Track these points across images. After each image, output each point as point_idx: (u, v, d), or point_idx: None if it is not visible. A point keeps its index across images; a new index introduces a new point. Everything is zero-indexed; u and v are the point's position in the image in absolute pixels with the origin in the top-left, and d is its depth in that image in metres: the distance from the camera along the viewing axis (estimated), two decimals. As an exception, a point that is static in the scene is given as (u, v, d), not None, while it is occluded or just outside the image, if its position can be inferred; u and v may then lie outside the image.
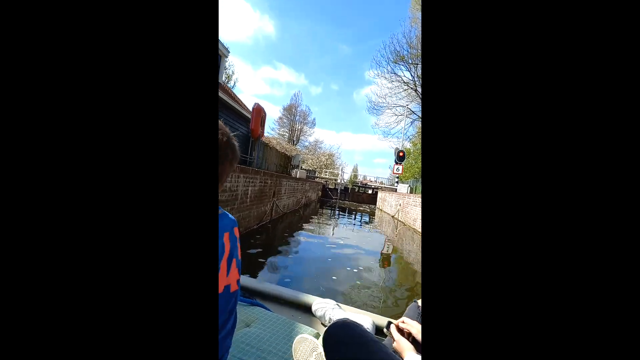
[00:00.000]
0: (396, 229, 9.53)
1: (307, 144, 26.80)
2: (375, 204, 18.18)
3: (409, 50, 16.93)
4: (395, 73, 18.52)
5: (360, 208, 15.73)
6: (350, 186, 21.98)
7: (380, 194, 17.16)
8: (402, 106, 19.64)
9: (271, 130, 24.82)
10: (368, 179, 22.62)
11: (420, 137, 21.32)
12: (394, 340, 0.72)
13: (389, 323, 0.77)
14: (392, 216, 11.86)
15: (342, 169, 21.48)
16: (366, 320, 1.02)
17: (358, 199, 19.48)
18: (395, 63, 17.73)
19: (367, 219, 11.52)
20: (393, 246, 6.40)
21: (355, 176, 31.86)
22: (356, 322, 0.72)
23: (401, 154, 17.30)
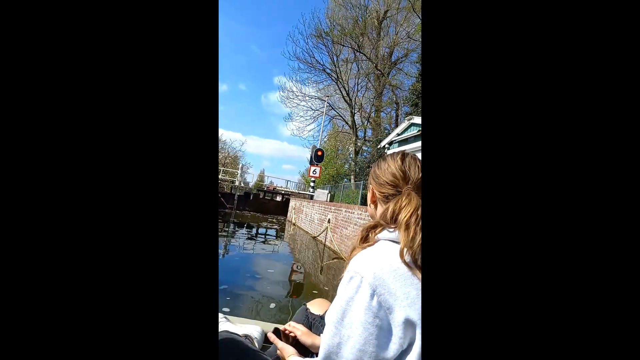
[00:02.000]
0: (321, 258, 5.77)
1: None
2: (286, 216, 14.21)
3: (329, 30, 14.05)
4: (314, 57, 15.36)
5: (264, 223, 11.25)
6: (254, 191, 17.31)
7: (292, 202, 13.16)
8: (321, 99, 16.67)
9: None
10: (276, 184, 18.41)
11: (331, 137, 19.35)
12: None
13: (275, 330, 0.75)
14: (314, 237, 7.96)
15: (242, 168, 16.52)
16: (254, 329, 0.99)
17: (263, 208, 14.92)
18: (316, 38, 14.55)
19: (275, 236, 7.47)
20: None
21: (262, 181, 27.68)
22: (233, 337, 0.73)
23: (319, 152, 13.98)
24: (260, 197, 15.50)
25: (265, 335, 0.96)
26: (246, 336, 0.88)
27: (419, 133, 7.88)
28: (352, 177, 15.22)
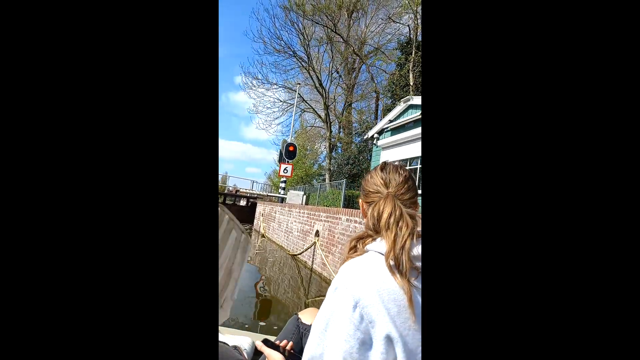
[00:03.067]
0: (305, 290, 3.84)
1: None
2: (253, 224, 11.87)
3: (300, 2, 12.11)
4: (282, 39, 13.28)
5: None
6: (211, 195, 14.68)
7: (260, 207, 10.86)
8: (290, 88, 14.64)
9: None
10: (239, 187, 15.87)
11: (301, 133, 17.46)
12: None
13: (264, 340, 0.70)
14: (293, 256, 5.88)
15: None
16: (244, 341, 0.97)
17: (224, 215, 12.51)
18: (285, 13, 12.48)
19: None
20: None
21: (224, 183, 24.75)
22: (223, 346, 0.65)
23: (291, 148, 11.88)
24: (220, 201, 13.00)
25: (255, 347, 0.88)
26: (235, 347, 0.85)
27: (419, 116, 6.26)
28: (327, 176, 13.37)
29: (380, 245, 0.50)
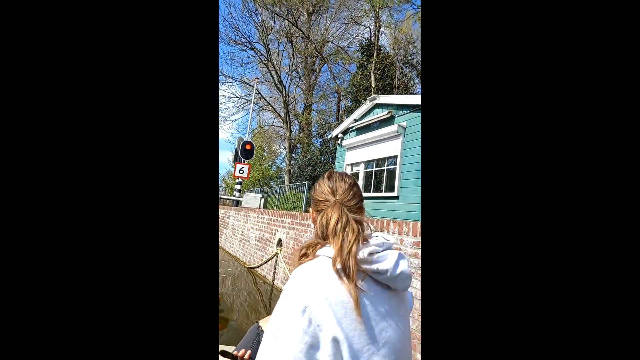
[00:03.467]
0: (265, 307, 3.17)
1: None
2: (201, 229, 10.61)
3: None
4: (239, 30, 12.30)
5: None
6: (154, 199, 12.94)
7: None
8: (248, 83, 13.65)
9: None
10: None
11: (258, 130, 16.47)
12: None
13: (222, 352, 0.70)
14: (250, 268, 5.14)
15: None
16: None
17: (168, 221, 10.99)
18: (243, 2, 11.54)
19: None
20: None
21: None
22: None
23: (248, 146, 10.99)
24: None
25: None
26: None
27: (388, 115, 6.00)
28: (286, 177, 12.69)
29: (329, 250, 0.52)
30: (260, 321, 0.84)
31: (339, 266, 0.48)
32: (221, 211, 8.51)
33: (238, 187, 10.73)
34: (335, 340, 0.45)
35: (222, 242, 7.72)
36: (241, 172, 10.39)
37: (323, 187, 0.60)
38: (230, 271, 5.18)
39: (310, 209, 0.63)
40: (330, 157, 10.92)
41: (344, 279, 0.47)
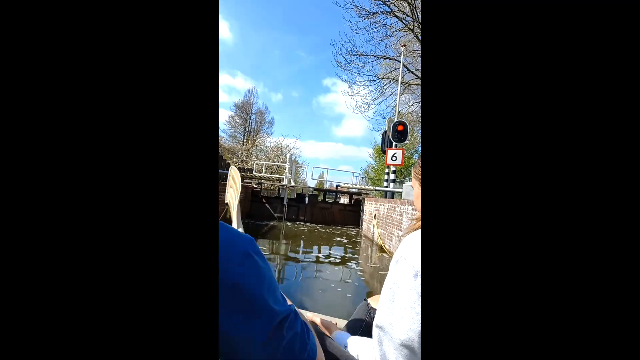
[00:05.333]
0: None
1: (264, 147, 19.15)
2: (360, 226, 9.93)
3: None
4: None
5: (326, 247, 6.78)
6: (309, 192, 13.46)
7: (370, 207, 8.72)
8: (391, 58, 12.11)
9: (221, 132, 19.59)
10: (335, 185, 14.19)
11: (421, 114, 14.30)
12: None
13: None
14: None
15: (293, 161, 11.81)
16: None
17: (323, 216, 10.93)
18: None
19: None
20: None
21: (322, 183, 24.16)
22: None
23: (400, 127, 9.33)
24: (319, 199, 11.54)
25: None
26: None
27: None
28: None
29: None
30: (369, 299, 0.84)
31: None
32: (384, 206, 7.26)
33: (392, 176, 9.34)
34: None
35: (390, 245, 6.49)
36: (394, 158, 8.91)
37: None
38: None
39: (413, 182, 0.65)
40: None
41: None
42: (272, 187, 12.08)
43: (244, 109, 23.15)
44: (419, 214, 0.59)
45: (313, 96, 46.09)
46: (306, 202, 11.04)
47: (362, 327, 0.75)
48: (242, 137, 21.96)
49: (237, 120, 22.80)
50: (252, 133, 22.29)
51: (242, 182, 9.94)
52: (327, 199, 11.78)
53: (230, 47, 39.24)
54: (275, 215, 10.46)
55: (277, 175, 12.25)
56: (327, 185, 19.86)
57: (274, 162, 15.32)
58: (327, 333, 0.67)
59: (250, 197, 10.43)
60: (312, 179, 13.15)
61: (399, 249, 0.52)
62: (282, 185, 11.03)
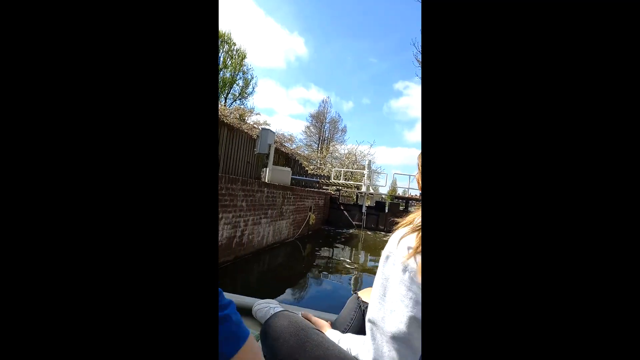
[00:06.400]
0: None
1: (338, 155, 19.59)
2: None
3: None
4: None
5: None
6: (388, 200, 12.85)
7: None
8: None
9: (297, 141, 20.35)
10: (410, 193, 13.24)
11: None
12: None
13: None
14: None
15: (370, 168, 11.53)
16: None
17: (405, 224, 10.21)
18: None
19: None
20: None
21: (394, 190, 23.06)
22: (292, 313, 0.70)
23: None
24: (401, 208, 10.86)
25: None
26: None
27: None
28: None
29: None
30: (359, 292, 0.85)
31: None
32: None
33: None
34: None
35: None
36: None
37: None
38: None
39: (417, 175, 0.66)
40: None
41: None
42: (350, 195, 11.92)
43: (318, 118, 24.17)
44: (413, 211, 0.60)
45: (384, 101, 45.14)
46: (386, 210, 10.52)
47: (353, 319, 0.77)
48: (317, 146, 22.71)
49: (312, 130, 23.89)
50: (326, 141, 22.88)
51: (321, 188, 10.03)
52: (409, 207, 11.02)
53: (306, 62, 41.39)
54: (354, 223, 10.23)
55: (356, 182, 12.05)
56: (399, 192, 18.82)
57: (348, 168, 15.22)
58: (322, 330, 0.69)
59: (329, 204, 10.45)
60: (396, 187, 12.50)
61: (388, 245, 0.54)
62: (361, 192, 10.78)
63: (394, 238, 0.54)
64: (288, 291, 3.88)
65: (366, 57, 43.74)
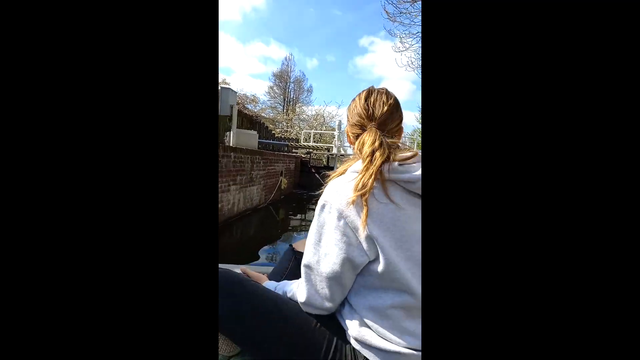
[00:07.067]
0: None
1: (305, 117, 18.71)
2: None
3: None
4: None
5: None
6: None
7: None
8: None
9: (261, 104, 19.10)
10: None
11: None
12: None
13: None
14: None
15: (340, 130, 10.91)
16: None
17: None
18: None
19: None
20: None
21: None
22: (228, 270, 0.70)
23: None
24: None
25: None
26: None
27: None
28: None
29: (358, 165, 0.57)
30: (293, 244, 0.87)
31: (359, 185, 0.52)
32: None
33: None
34: (369, 237, 0.52)
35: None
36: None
37: (358, 108, 0.62)
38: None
39: (347, 128, 0.67)
40: None
41: (360, 196, 0.52)
42: (320, 157, 11.71)
43: (282, 78, 22.44)
44: (352, 158, 0.62)
45: (349, 59, 43.55)
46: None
47: (288, 268, 0.81)
48: (282, 108, 21.58)
49: (276, 91, 22.30)
50: (292, 103, 21.78)
51: (290, 152, 9.65)
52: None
53: (265, 14, 37.63)
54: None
55: (326, 144, 11.78)
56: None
57: (316, 130, 14.81)
58: (259, 282, 0.72)
59: (300, 168, 10.19)
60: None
61: (324, 194, 0.57)
62: (332, 154, 10.60)
63: (329, 188, 0.57)
64: (262, 255, 3.77)
65: (330, 8, 40.92)
